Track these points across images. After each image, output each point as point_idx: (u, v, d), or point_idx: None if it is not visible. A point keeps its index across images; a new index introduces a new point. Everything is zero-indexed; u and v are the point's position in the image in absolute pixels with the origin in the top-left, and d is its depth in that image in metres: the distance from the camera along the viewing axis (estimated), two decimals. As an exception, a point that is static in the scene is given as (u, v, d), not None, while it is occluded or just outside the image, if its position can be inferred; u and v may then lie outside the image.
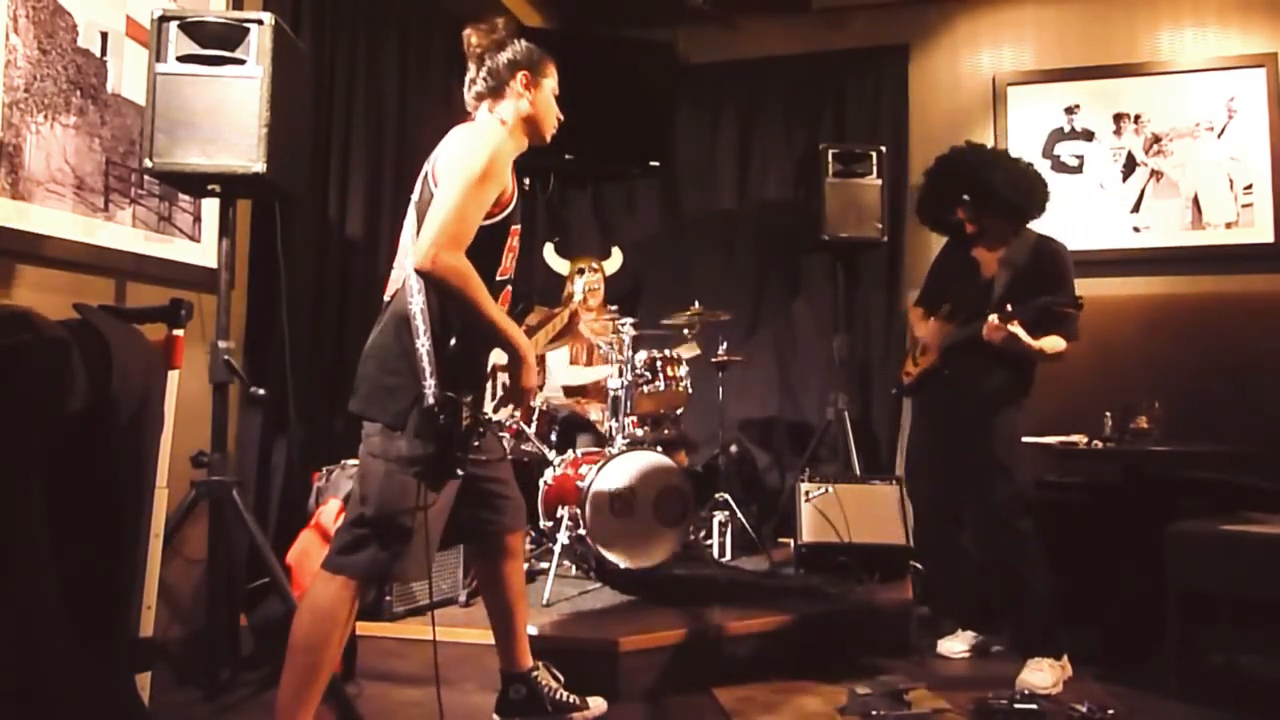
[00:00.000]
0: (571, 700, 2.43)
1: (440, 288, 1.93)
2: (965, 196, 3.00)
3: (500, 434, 3.54)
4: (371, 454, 2.04)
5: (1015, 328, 2.78)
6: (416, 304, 1.97)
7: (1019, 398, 2.97)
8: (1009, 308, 2.79)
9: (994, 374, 2.93)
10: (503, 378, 2.35)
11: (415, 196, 2.11)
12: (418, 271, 1.93)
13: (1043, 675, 2.72)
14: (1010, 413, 2.94)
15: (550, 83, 2.23)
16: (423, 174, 2.10)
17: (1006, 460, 2.90)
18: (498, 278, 2.10)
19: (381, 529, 2.00)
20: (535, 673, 2.41)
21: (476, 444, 1.99)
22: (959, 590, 3.21)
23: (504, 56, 2.16)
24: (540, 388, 4.16)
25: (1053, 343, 2.86)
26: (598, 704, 2.48)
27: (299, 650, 2.00)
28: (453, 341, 1.97)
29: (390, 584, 2.83)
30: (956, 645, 3.13)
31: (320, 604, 2.02)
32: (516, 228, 2.14)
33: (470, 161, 1.97)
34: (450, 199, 1.93)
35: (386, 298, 2.12)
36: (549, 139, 2.28)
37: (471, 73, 2.18)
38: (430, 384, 1.92)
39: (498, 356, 2.26)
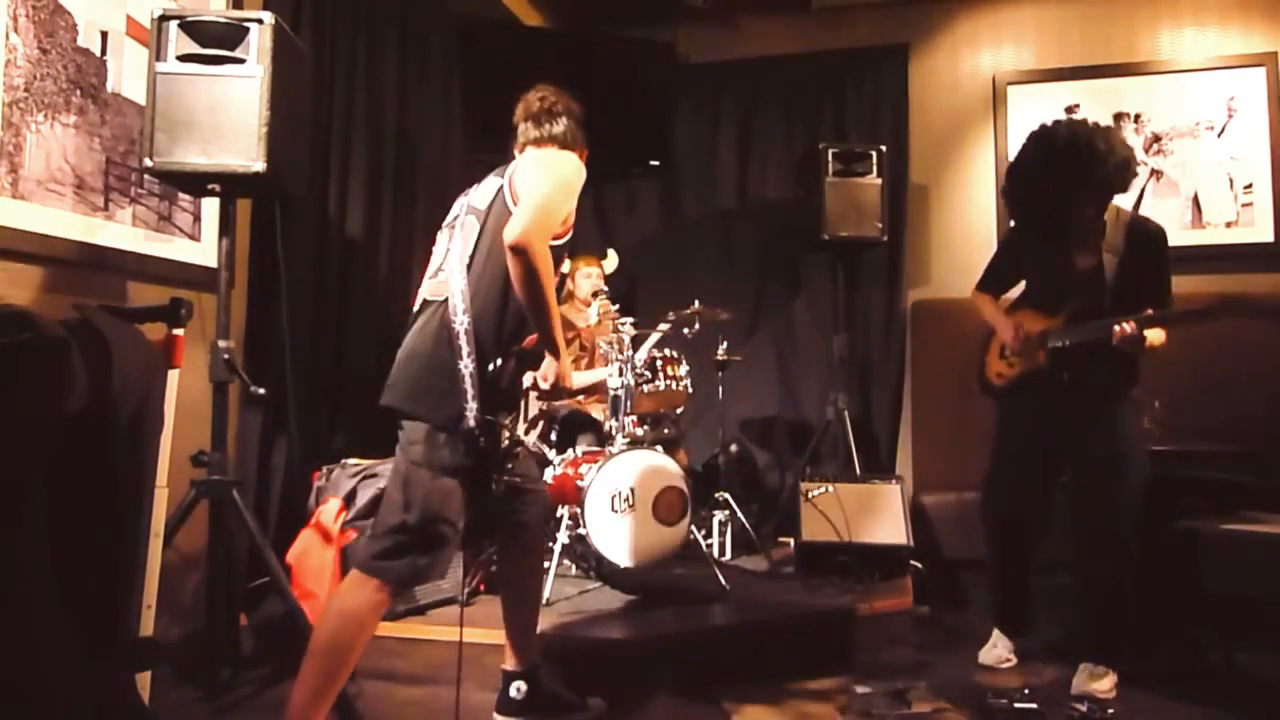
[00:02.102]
0: (572, 700, 2.43)
1: (525, 266, 1.96)
2: (1112, 179, 2.67)
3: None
4: (414, 461, 2.05)
5: (1149, 332, 2.59)
6: (461, 324, 2.02)
7: (1134, 393, 2.78)
8: (1149, 312, 2.58)
9: (1113, 371, 2.72)
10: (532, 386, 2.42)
11: (480, 205, 2.16)
12: (512, 245, 1.95)
13: (1103, 682, 2.67)
14: (1132, 410, 2.76)
15: None
16: (494, 188, 2.16)
17: (1131, 464, 2.70)
18: None
19: (424, 536, 2.03)
20: (537, 671, 2.42)
21: (511, 465, 2.06)
22: (1022, 600, 3.01)
23: (578, 126, 2.33)
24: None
25: (1157, 335, 2.67)
26: (597, 704, 2.48)
27: (322, 652, 2.00)
28: (493, 365, 2.04)
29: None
30: (1000, 653, 2.97)
31: (351, 607, 2.02)
32: (566, 254, 2.28)
33: (563, 169, 2.14)
34: (546, 191, 2.03)
35: (426, 299, 2.15)
36: None
37: (544, 120, 2.28)
38: (472, 407, 1.98)
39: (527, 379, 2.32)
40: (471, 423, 1.97)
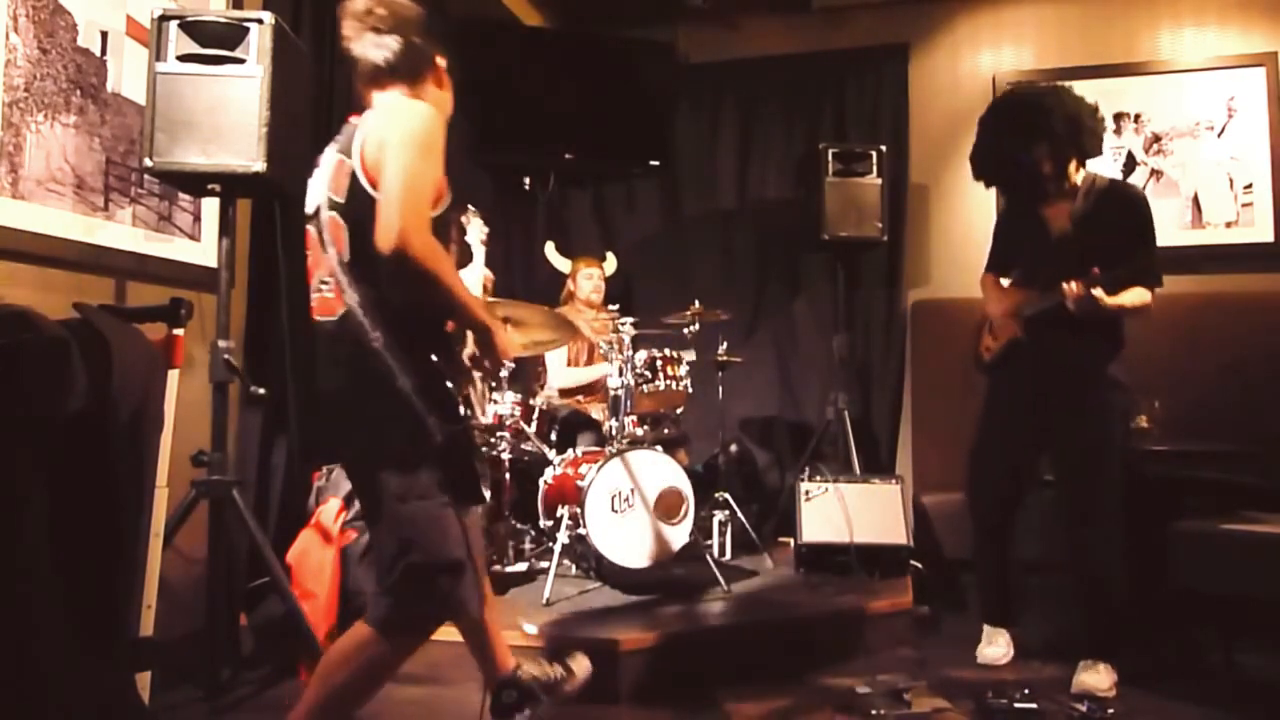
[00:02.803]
0: (559, 675, 2.28)
1: (414, 273, 1.70)
2: (1055, 126, 2.69)
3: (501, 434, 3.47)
4: (397, 498, 1.82)
5: (1097, 292, 2.57)
6: (377, 340, 1.78)
7: (1112, 370, 2.74)
8: (1095, 272, 2.56)
9: (1085, 344, 2.71)
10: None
11: (337, 198, 1.83)
12: (390, 255, 1.67)
13: (1099, 678, 2.66)
14: (1108, 389, 2.74)
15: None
16: (347, 172, 1.82)
17: (1107, 446, 2.71)
18: None
19: (440, 567, 1.84)
20: (519, 671, 2.28)
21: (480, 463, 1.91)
22: (1007, 589, 3.02)
23: (424, 40, 1.95)
24: (542, 386, 4.16)
25: (1137, 295, 2.64)
26: (582, 665, 2.32)
27: (335, 694, 1.85)
28: (435, 360, 1.83)
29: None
30: (997, 650, 2.96)
31: (376, 659, 1.86)
32: (456, 215, 2.07)
33: (413, 129, 1.78)
34: (405, 171, 1.72)
35: (320, 320, 1.89)
36: None
37: (375, 42, 1.91)
38: (433, 422, 1.78)
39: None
40: (439, 438, 1.78)
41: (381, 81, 1.94)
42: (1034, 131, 2.71)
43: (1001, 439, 2.93)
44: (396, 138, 1.76)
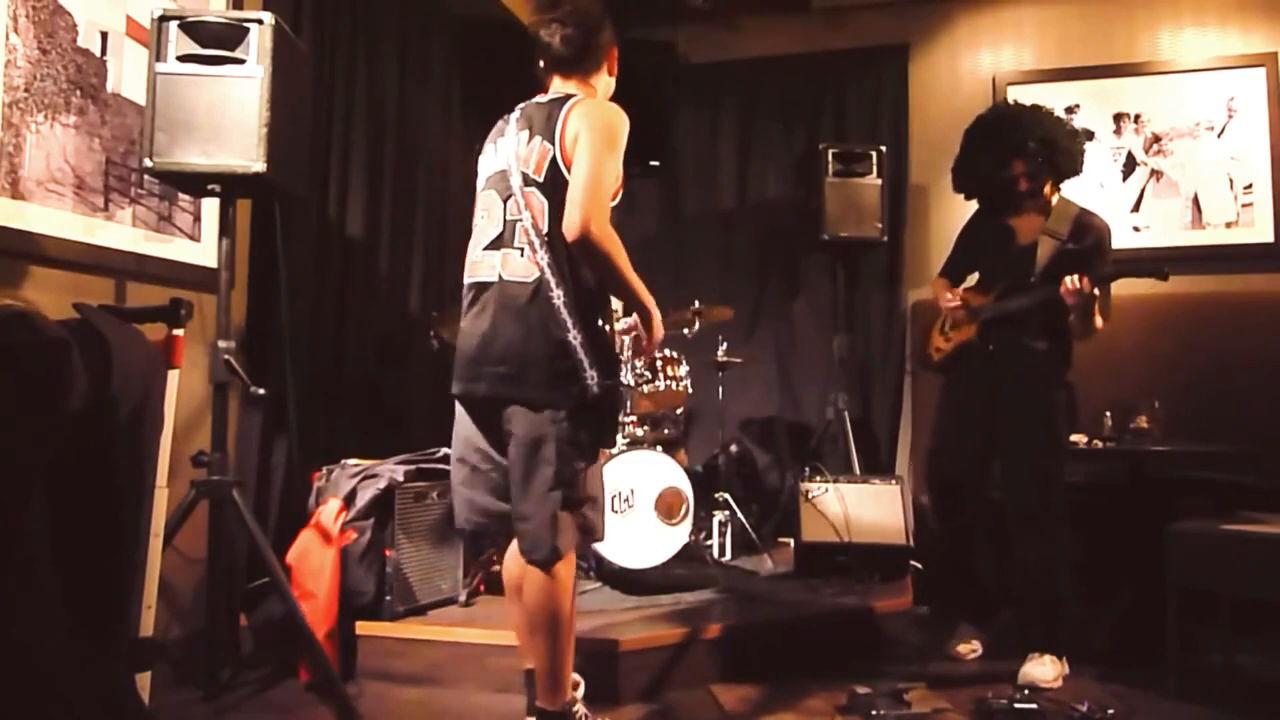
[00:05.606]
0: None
1: (594, 256, 2.00)
2: (1030, 145, 2.88)
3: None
4: (565, 440, 2.06)
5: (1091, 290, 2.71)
6: (559, 298, 2.04)
7: (1062, 376, 2.90)
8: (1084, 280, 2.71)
9: (1038, 349, 2.86)
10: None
11: (536, 176, 2.08)
12: (575, 241, 1.97)
13: (1044, 669, 2.73)
14: (1055, 397, 2.87)
15: None
16: (539, 150, 2.09)
17: (1050, 452, 2.85)
18: None
19: (582, 502, 2.12)
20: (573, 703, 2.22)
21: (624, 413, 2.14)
22: (974, 587, 3.14)
23: (606, 33, 2.21)
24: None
25: (1099, 320, 2.82)
26: None
27: (563, 623, 2.10)
28: (601, 323, 2.09)
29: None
30: (967, 645, 3.07)
31: (564, 577, 2.10)
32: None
33: (610, 136, 2.06)
34: (597, 166, 2.00)
35: (505, 277, 2.09)
36: None
37: (562, 35, 2.15)
38: (592, 375, 2.04)
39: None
40: (596, 390, 2.04)
41: (563, 70, 2.21)
42: (1011, 149, 2.91)
43: (957, 439, 3.08)
44: (591, 135, 2.04)
